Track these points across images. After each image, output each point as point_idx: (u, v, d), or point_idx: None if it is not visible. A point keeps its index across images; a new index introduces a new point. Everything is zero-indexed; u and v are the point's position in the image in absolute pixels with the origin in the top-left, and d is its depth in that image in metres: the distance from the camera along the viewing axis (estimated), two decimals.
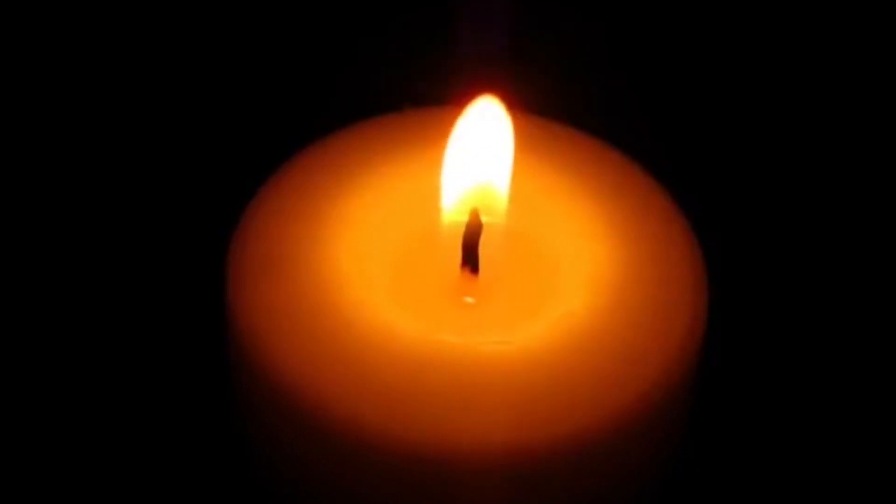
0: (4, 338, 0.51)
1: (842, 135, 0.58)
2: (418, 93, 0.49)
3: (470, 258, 0.42)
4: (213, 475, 0.48)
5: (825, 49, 0.59)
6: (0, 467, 0.48)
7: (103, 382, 0.50)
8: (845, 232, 0.56)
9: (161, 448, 0.49)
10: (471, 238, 0.42)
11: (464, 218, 0.42)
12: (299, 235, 0.42)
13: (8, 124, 0.56)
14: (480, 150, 0.43)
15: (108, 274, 0.53)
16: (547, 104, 0.47)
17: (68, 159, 0.56)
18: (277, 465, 0.41)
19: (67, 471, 0.49)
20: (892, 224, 0.56)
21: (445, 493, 0.39)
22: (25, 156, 0.56)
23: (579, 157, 0.46)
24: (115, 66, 0.58)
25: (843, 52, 0.59)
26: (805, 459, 0.50)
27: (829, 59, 0.59)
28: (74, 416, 0.50)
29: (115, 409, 0.50)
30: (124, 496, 0.48)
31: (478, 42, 0.52)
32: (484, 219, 0.42)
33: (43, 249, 0.54)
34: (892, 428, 0.51)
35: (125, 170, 0.56)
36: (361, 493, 0.39)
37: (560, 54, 0.57)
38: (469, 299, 0.43)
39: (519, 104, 0.45)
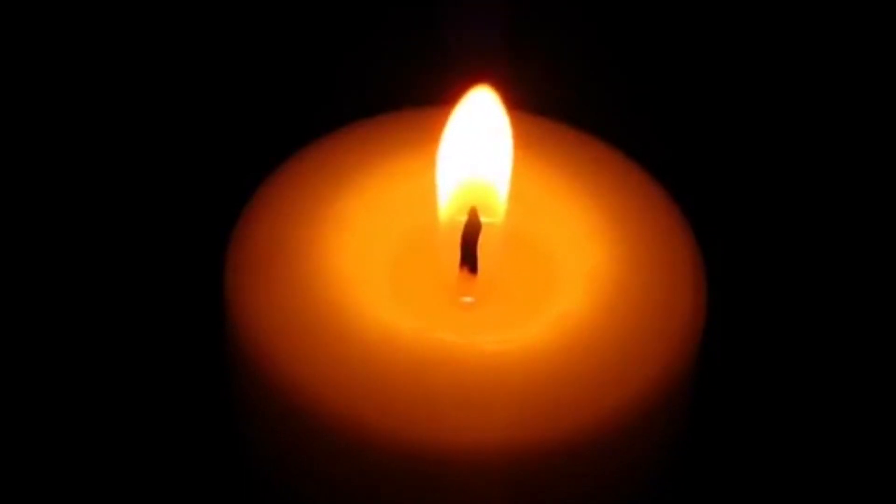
0: (4, 337, 0.51)
1: (842, 135, 0.58)
2: (417, 93, 0.49)
3: (469, 257, 0.42)
4: (211, 474, 0.48)
5: (825, 48, 0.59)
6: (0, 467, 0.48)
7: (102, 381, 0.50)
8: (845, 232, 0.56)
9: (159, 447, 0.49)
10: (470, 237, 0.42)
11: (462, 217, 0.42)
12: (298, 235, 0.42)
13: (8, 124, 0.56)
14: (477, 147, 0.43)
15: (107, 273, 0.53)
16: (546, 103, 0.47)
17: (68, 159, 0.56)
18: (276, 464, 0.41)
19: (67, 471, 0.49)
20: (892, 224, 0.56)
21: (444, 492, 0.39)
22: (25, 156, 0.56)
23: (579, 156, 0.46)
24: (115, 66, 0.58)
25: (842, 51, 0.59)
26: (805, 459, 0.50)
27: (828, 58, 0.59)
28: (73, 414, 0.50)
29: (113, 408, 0.50)
30: (123, 496, 0.48)
31: (476, 41, 0.52)
32: (482, 218, 0.42)
33: (43, 249, 0.54)
34: (892, 428, 0.51)
35: (125, 169, 0.56)
36: (359, 492, 0.39)
37: (560, 52, 0.57)
38: (467, 299, 0.43)
39: (518, 103, 0.45)
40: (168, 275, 0.53)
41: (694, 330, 0.42)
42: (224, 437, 0.45)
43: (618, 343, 0.41)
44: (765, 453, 0.50)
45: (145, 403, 0.50)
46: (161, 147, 0.57)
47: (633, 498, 0.42)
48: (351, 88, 0.57)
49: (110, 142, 0.57)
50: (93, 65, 0.58)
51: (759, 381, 0.52)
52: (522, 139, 0.44)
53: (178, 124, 0.57)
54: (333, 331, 0.40)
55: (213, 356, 0.44)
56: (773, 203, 0.57)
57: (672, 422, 0.42)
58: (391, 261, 0.43)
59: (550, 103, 0.47)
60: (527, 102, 0.46)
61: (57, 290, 0.52)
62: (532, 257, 0.44)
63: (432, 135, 0.44)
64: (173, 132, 0.57)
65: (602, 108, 0.52)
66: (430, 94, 0.47)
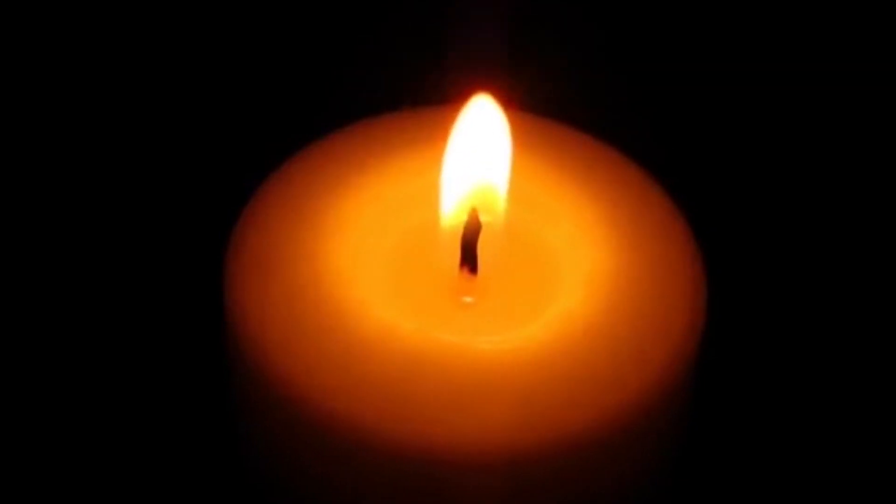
0: (4, 338, 0.51)
1: (841, 134, 0.58)
2: (418, 93, 0.49)
3: (469, 257, 0.42)
4: (210, 474, 0.48)
5: (824, 47, 0.59)
6: (0, 467, 0.48)
7: (102, 381, 0.50)
8: (845, 232, 0.56)
9: (159, 447, 0.49)
10: (470, 237, 0.42)
11: (463, 217, 0.42)
12: (298, 235, 0.42)
13: (8, 124, 0.56)
14: (478, 150, 0.43)
15: (107, 274, 0.53)
16: (546, 103, 0.47)
17: (68, 159, 0.56)
18: (274, 464, 0.41)
19: (66, 470, 0.49)
20: (892, 223, 0.56)
21: (442, 493, 0.39)
22: (25, 156, 0.56)
23: (578, 156, 0.46)
24: (115, 66, 0.58)
25: (842, 50, 0.59)
26: (805, 459, 0.50)
27: (828, 58, 0.59)
28: (74, 414, 0.50)
29: (113, 407, 0.50)
30: (123, 496, 0.48)
31: (476, 41, 0.52)
32: (483, 218, 0.42)
33: (43, 249, 0.54)
34: (892, 428, 0.51)
35: (125, 170, 0.56)
36: (357, 492, 0.39)
37: (559, 53, 0.57)
38: (467, 299, 0.43)
39: (518, 103, 0.45)
40: (168, 275, 0.53)
41: (694, 330, 0.42)
42: (224, 437, 0.45)
43: (617, 343, 0.41)
44: (765, 453, 0.50)
45: (146, 403, 0.50)
46: (161, 147, 0.57)
47: (632, 499, 0.42)
48: (351, 89, 0.57)
49: (111, 142, 0.57)
50: (93, 65, 0.58)
51: (759, 381, 0.52)
52: (523, 139, 0.44)
53: (178, 124, 0.57)
54: (333, 330, 0.40)
55: (213, 356, 0.44)
56: (773, 203, 0.57)
57: (671, 422, 0.42)
58: (391, 261, 0.43)
59: (550, 103, 0.47)
60: (526, 102, 0.46)
61: (57, 291, 0.53)
62: (532, 257, 0.44)
63: (432, 135, 0.44)
64: (174, 132, 0.57)
65: (602, 108, 0.52)
66: (431, 94, 0.47)
